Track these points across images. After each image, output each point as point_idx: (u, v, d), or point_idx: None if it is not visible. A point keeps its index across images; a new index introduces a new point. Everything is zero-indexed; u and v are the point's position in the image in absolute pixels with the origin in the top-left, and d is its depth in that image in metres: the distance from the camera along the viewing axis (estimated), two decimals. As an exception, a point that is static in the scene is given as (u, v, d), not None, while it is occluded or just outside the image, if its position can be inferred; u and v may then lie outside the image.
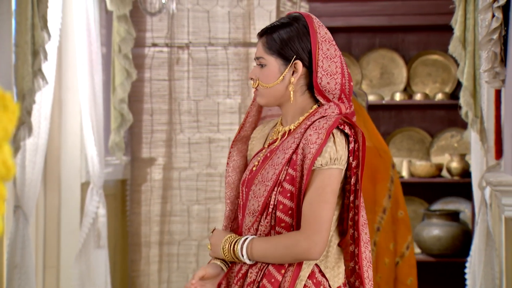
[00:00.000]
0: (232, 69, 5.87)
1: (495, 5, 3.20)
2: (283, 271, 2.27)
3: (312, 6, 5.65)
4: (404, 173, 5.68)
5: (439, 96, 5.68)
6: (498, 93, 3.70)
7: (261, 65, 2.38)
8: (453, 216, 5.53)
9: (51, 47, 4.30)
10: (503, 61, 3.31)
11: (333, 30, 5.93)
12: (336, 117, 2.29)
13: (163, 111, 5.92)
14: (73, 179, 5.02)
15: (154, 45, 5.90)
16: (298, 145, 2.31)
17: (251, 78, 2.40)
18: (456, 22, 4.07)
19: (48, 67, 4.28)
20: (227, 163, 2.50)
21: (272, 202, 2.29)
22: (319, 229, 2.23)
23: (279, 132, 2.41)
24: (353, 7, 5.61)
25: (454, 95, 5.77)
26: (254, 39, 5.85)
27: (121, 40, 5.19)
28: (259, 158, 2.40)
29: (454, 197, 5.81)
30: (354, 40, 6.00)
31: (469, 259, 4.55)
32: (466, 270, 4.60)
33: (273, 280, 2.27)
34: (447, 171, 5.69)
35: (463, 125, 5.46)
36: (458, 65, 4.72)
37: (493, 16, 3.22)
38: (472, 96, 4.06)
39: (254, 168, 2.39)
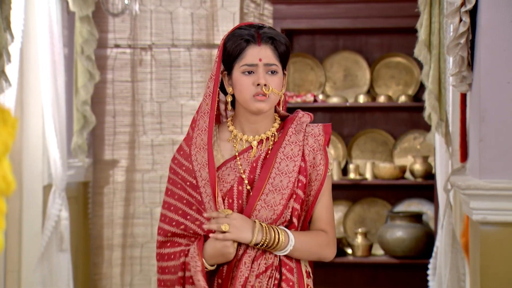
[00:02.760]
0: (195, 70, 5.85)
1: (463, 9, 3.21)
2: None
3: (276, 8, 5.64)
4: (368, 175, 5.70)
5: (402, 99, 5.71)
6: (463, 97, 3.72)
7: (272, 72, 2.37)
8: (416, 218, 5.56)
9: (13, 49, 4.22)
10: (470, 65, 3.33)
11: (297, 32, 5.98)
12: (326, 124, 2.44)
13: (126, 113, 5.87)
14: (35, 181, 4.95)
15: (117, 46, 5.85)
16: (303, 152, 2.38)
17: (265, 84, 2.34)
18: (421, 26, 4.09)
19: (11, 69, 4.21)
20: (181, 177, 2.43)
21: (288, 210, 2.36)
22: (335, 233, 2.45)
23: (246, 141, 2.39)
24: (317, 10, 5.60)
25: (417, 97, 5.80)
26: (218, 40, 5.83)
27: (84, 41, 5.13)
28: (240, 168, 2.36)
29: (417, 199, 5.84)
30: (317, 43, 6.00)
31: (431, 260, 4.58)
32: (429, 272, 4.62)
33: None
34: (410, 173, 5.72)
35: (426, 127, 5.49)
36: (421, 67, 4.75)
37: (461, 20, 3.23)
38: (437, 100, 4.08)
39: (245, 178, 2.36)
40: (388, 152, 5.93)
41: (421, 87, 5.71)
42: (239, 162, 2.38)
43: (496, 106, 3.12)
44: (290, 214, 2.37)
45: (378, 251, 5.75)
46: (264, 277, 2.33)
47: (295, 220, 2.38)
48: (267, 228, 2.32)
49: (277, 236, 2.32)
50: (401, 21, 5.43)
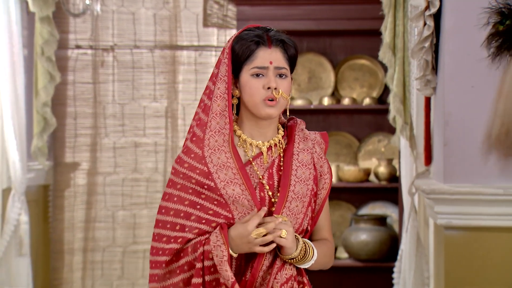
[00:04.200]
0: (158, 72, 5.83)
1: (427, 13, 3.23)
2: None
3: (240, 10, 5.63)
4: (332, 178, 5.71)
5: (367, 101, 5.73)
6: (428, 100, 3.75)
7: (281, 75, 2.32)
8: (381, 221, 5.58)
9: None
10: (434, 69, 3.35)
11: (260, 34, 5.96)
12: (322, 132, 2.46)
13: (87, 115, 5.83)
14: (-7, 185, 4.89)
15: (78, 47, 5.80)
16: (313, 160, 2.39)
17: (275, 88, 2.30)
18: (386, 29, 4.11)
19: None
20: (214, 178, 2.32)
21: (306, 218, 2.37)
22: None
23: (256, 146, 2.35)
24: (280, 11, 5.61)
25: (381, 99, 5.83)
26: (181, 41, 5.81)
27: (44, 42, 5.08)
28: (258, 174, 2.33)
29: (381, 202, 5.87)
30: (282, 44, 5.99)
31: (396, 264, 4.60)
32: (394, 275, 4.64)
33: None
34: (374, 175, 5.74)
35: (391, 130, 5.52)
36: (385, 70, 4.77)
37: (425, 24, 3.25)
38: (402, 103, 4.10)
39: (266, 184, 2.33)
40: (352, 154, 5.95)
41: (386, 90, 5.74)
42: (255, 168, 2.34)
43: (460, 110, 3.15)
44: (307, 222, 2.38)
45: (342, 254, 5.77)
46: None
47: (309, 228, 2.40)
48: (303, 242, 2.32)
49: (309, 250, 2.33)
50: (365, 23, 5.45)
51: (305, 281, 2.38)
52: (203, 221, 2.30)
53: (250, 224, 2.26)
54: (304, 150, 2.38)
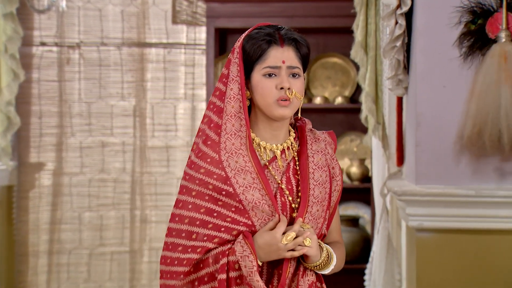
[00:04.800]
0: (126, 70, 5.81)
1: (399, 12, 3.24)
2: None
3: (210, 7, 5.61)
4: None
5: (339, 100, 5.74)
6: (400, 100, 3.76)
7: (294, 75, 2.27)
8: (353, 222, 5.60)
9: None
10: (406, 68, 3.36)
11: (231, 32, 5.96)
12: (330, 132, 2.43)
13: (53, 114, 5.79)
14: (-45, 187, 4.84)
15: (43, 44, 5.76)
16: (327, 161, 2.36)
17: (288, 88, 2.25)
18: (358, 27, 4.12)
19: None
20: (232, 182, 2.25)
21: (325, 222, 2.34)
22: None
23: (270, 150, 2.30)
24: (251, 8, 5.60)
25: (353, 99, 5.85)
26: (149, 39, 5.79)
27: (8, 39, 5.04)
28: (276, 178, 2.28)
29: (354, 202, 5.89)
30: (252, 42, 5.99)
31: (368, 265, 4.61)
32: (365, 277, 4.66)
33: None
34: (346, 176, 5.76)
35: (363, 129, 5.53)
36: (357, 68, 4.79)
37: (397, 23, 3.26)
38: (374, 102, 4.12)
39: (285, 189, 2.29)
40: (324, 154, 5.96)
41: (358, 88, 5.76)
42: (272, 172, 2.30)
43: (432, 110, 3.16)
44: (325, 226, 2.35)
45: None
46: None
47: (325, 232, 2.37)
48: (325, 248, 2.30)
49: (330, 256, 2.30)
50: (338, 21, 5.46)
51: (324, 287, 2.37)
52: (222, 229, 2.24)
53: (278, 231, 2.21)
54: (318, 151, 2.35)
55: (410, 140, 3.35)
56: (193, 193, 2.27)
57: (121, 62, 5.80)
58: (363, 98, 4.21)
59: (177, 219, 2.29)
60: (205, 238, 2.24)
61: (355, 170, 5.66)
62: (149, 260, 5.87)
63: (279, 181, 2.28)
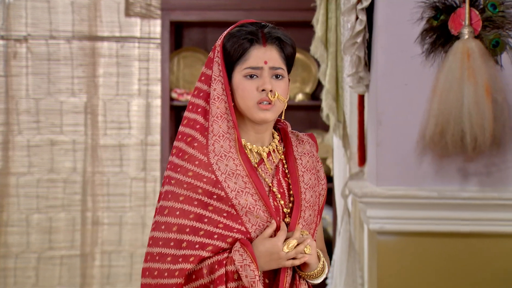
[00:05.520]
0: (76, 65, 5.77)
1: (359, 7, 3.26)
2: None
3: (165, -1, 5.61)
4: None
5: (299, 97, 5.76)
6: (361, 98, 3.79)
7: (277, 76, 2.25)
8: (314, 223, 5.62)
9: None
10: (367, 65, 3.39)
11: (187, 25, 5.95)
12: (310, 134, 2.42)
13: (-1, 111, 5.76)
14: None
15: (-12, 37, 5.71)
16: (314, 164, 2.35)
17: (271, 90, 2.22)
18: (318, 22, 4.13)
19: None
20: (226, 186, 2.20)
21: (316, 228, 2.32)
22: None
23: (257, 152, 2.28)
24: (208, 1, 5.60)
25: (315, 95, 5.87)
26: (101, 32, 5.76)
27: (-50, 32, 4.98)
28: (267, 181, 2.26)
29: (315, 203, 5.91)
30: (209, 36, 6.00)
31: (330, 269, 4.64)
32: (328, 281, 4.69)
33: None
34: (307, 176, 5.77)
35: (325, 127, 5.56)
36: (319, 64, 4.80)
37: (357, 18, 3.28)
38: (335, 100, 4.14)
39: (277, 193, 2.26)
40: (284, 153, 5.98)
41: (319, 85, 5.78)
42: (263, 175, 2.27)
43: (394, 109, 3.19)
44: (316, 233, 2.34)
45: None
46: None
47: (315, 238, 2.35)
48: (321, 256, 2.29)
49: (326, 265, 2.29)
50: (298, 14, 5.48)
51: None
52: (215, 236, 2.19)
53: (280, 238, 2.19)
54: (304, 153, 2.34)
55: (371, 140, 3.38)
56: (181, 198, 2.21)
57: (71, 57, 5.76)
58: (323, 95, 4.23)
59: (163, 227, 2.21)
60: (197, 246, 2.19)
61: (316, 169, 5.68)
62: (101, 264, 5.84)
63: (270, 184, 2.26)
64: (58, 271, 5.82)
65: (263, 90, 2.22)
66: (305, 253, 2.20)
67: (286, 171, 2.30)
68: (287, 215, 2.26)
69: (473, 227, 3.18)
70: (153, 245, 2.23)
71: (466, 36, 3.05)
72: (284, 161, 2.31)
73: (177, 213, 2.20)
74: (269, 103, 2.21)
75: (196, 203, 2.20)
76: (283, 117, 2.33)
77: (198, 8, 5.60)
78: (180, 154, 2.24)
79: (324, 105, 4.22)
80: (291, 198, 2.28)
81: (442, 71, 3.07)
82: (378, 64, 3.20)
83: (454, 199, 3.15)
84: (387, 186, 3.19)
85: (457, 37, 3.07)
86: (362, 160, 3.80)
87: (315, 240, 2.30)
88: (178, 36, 5.92)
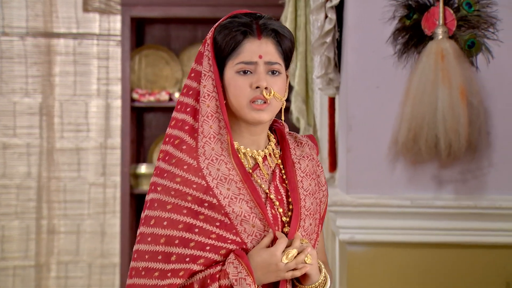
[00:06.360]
0: (31, 63, 5.77)
1: (328, 5, 3.26)
2: None
3: (126, -7, 5.59)
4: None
5: (268, 98, 5.77)
6: (332, 100, 3.79)
7: (274, 72, 2.15)
8: (283, 232, 5.62)
9: None
10: (337, 66, 3.39)
11: (149, 22, 5.93)
12: (310, 135, 2.34)
13: None
14: None
15: None
16: (314, 169, 2.27)
17: (266, 87, 2.12)
18: (286, 19, 4.13)
19: None
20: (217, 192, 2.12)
21: (318, 238, 2.25)
22: None
23: (251, 156, 2.19)
24: (172, -5, 5.60)
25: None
26: (58, 28, 5.74)
27: None
28: (263, 188, 2.17)
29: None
30: (173, 33, 5.99)
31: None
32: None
33: None
34: (276, 181, 5.78)
35: (295, 131, 5.55)
36: (288, 64, 4.81)
37: (326, 17, 3.28)
38: (305, 102, 4.14)
39: (275, 200, 2.18)
40: (252, 157, 5.99)
41: (290, 86, 5.79)
42: (258, 181, 2.19)
43: (365, 113, 3.19)
44: (318, 244, 2.26)
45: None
46: None
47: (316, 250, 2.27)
48: (323, 267, 2.22)
49: (326, 276, 2.22)
50: (266, 11, 5.39)
51: None
52: (207, 247, 2.11)
53: (279, 248, 2.10)
54: (303, 157, 2.25)
55: (341, 145, 3.38)
56: (168, 207, 2.13)
57: (25, 54, 5.75)
58: (292, 97, 4.23)
59: (149, 239, 2.13)
60: (187, 259, 2.11)
61: (285, 175, 5.69)
62: (57, 275, 5.81)
63: (267, 191, 2.18)
64: (11, 282, 5.79)
65: (257, 87, 2.12)
66: (306, 263, 2.12)
67: (284, 176, 2.22)
68: (286, 224, 2.18)
69: (448, 237, 3.19)
70: (138, 259, 2.15)
71: (440, 36, 3.06)
72: (281, 166, 2.23)
73: (165, 223, 2.12)
74: (264, 102, 2.12)
75: (185, 211, 2.11)
76: (282, 118, 2.25)
77: (161, 3, 5.59)
78: (167, 158, 2.15)
79: (294, 107, 4.22)
80: (290, 206, 2.20)
81: (415, 73, 3.08)
82: (348, 66, 3.20)
83: (428, 208, 3.16)
84: (358, 194, 3.19)
85: (431, 37, 3.08)
86: (333, 166, 3.80)
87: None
88: (139, 33, 5.90)
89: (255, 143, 2.20)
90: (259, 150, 2.21)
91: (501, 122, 3.16)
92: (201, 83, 2.15)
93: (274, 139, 2.25)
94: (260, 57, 2.12)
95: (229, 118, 2.18)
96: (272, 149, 2.22)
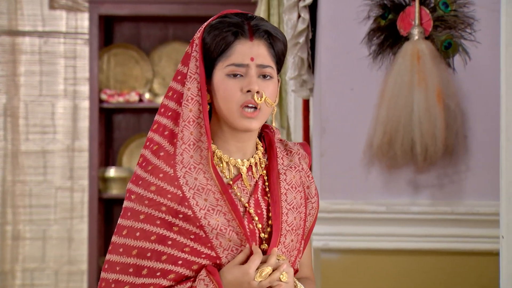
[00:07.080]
0: (-6, 62, 5.76)
1: (301, 4, 3.28)
2: None
3: (94, -10, 5.59)
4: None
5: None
6: (306, 102, 3.81)
7: (266, 76, 2.10)
8: (257, 237, 5.64)
9: None
10: (311, 67, 3.40)
11: (118, 19, 5.93)
12: (303, 143, 2.28)
13: None
14: None
15: None
16: (302, 179, 2.20)
17: (257, 92, 2.07)
18: (259, 18, 4.14)
19: None
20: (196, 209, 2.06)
21: (299, 254, 2.20)
22: None
23: (234, 166, 2.14)
24: (142, -7, 5.61)
25: (259, 97, 5.90)
26: (22, 26, 5.73)
27: None
28: (242, 201, 2.12)
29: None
30: (143, 32, 5.99)
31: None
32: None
33: None
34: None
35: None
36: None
37: (299, 16, 3.30)
38: (278, 104, 4.15)
39: (254, 215, 2.12)
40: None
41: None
42: (237, 193, 2.14)
43: (338, 115, 3.21)
44: (299, 260, 2.21)
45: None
46: None
47: (298, 268, 2.23)
48: (299, 286, 2.17)
49: None
50: (238, 8, 5.48)
51: None
52: (179, 261, 2.07)
53: (252, 265, 2.06)
54: (291, 167, 2.18)
55: (315, 149, 3.39)
56: (141, 217, 2.09)
57: (-12, 53, 5.74)
58: (265, 98, 4.24)
59: (121, 250, 2.11)
60: (158, 274, 2.07)
61: (260, 178, 5.71)
62: (23, 283, 5.80)
63: (246, 204, 2.13)
64: (-25, 292, 5.77)
65: (248, 91, 2.07)
66: (281, 281, 2.07)
67: (267, 189, 2.17)
68: (263, 241, 2.13)
69: (424, 243, 3.21)
70: (109, 270, 2.13)
71: (416, 37, 3.08)
72: (266, 177, 2.17)
73: (137, 234, 2.10)
74: (255, 108, 2.08)
75: (158, 222, 2.07)
76: (273, 124, 2.20)
77: (130, 1, 5.60)
78: (144, 164, 2.11)
79: (267, 109, 4.23)
80: (269, 222, 2.14)
81: (391, 74, 3.10)
82: (322, 67, 3.22)
83: (403, 214, 3.18)
84: (332, 200, 3.20)
85: (407, 38, 3.11)
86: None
87: (297, 270, 2.21)
88: (108, 31, 5.90)
89: (241, 151, 2.16)
90: (244, 160, 2.16)
91: (479, 125, 3.18)
92: (185, 85, 2.10)
93: (262, 147, 2.20)
94: (252, 59, 2.08)
95: (214, 123, 2.15)
96: (259, 158, 2.17)
